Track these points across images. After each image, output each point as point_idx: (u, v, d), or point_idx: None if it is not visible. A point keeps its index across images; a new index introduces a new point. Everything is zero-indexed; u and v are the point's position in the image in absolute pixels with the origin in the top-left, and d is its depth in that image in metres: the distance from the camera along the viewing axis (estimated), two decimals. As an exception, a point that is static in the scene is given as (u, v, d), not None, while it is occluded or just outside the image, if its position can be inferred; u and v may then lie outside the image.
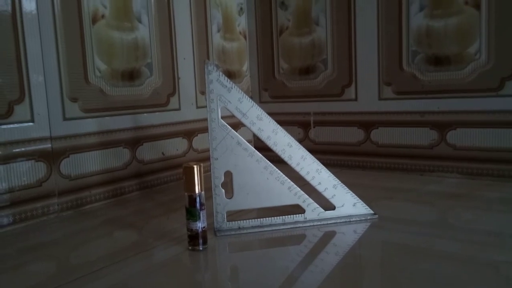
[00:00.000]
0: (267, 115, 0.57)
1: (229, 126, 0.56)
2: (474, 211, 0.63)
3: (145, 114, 0.83)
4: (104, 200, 0.76)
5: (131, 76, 0.80)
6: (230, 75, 1.04)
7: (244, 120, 0.56)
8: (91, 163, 0.74)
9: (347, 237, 0.56)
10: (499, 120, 0.78)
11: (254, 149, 0.57)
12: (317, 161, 0.59)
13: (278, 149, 0.57)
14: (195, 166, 0.49)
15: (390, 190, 0.77)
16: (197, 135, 0.94)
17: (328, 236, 0.56)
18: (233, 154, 0.56)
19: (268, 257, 0.50)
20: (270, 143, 0.57)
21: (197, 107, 0.94)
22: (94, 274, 0.46)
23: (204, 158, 0.91)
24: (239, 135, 0.56)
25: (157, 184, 0.86)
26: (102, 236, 0.59)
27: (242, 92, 0.56)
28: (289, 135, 0.58)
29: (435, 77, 0.84)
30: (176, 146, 0.90)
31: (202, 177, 0.50)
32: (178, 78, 0.89)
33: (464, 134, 0.82)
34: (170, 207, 0.72)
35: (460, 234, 0.54)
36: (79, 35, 0.71)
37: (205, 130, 0.93)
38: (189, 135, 0.93)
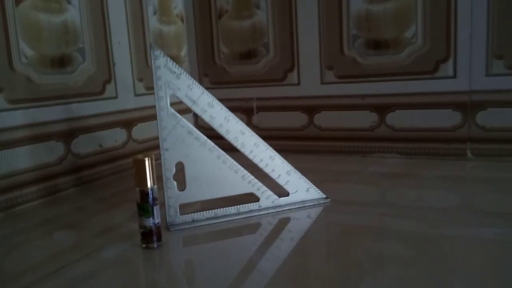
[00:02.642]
0: (218, 102, 0.55)
1: (179, 115, 0.53)
2: (416, 190, 0.66)
3: (78, 104, 0.77)
4: (38, 200, 0.69)
5: (61, 62, 0.73)
6: (168, 60, 0.99)
7: (194, 108, 0.54)
8: (20, 159, 0.67)
9: (302, 223, 0.56)
10: (434, 101, 0.82)
11: (206, 138, 0.54)
12: (270, 147, 0.58)
13: (230, 137, 0.55)
14: (146, 159, 0.46)
15: (335, 173, 0.79)
16: (136, 125, 0.89)
17: (283, 223, 0.56)
18: (184, 144, 0.53)
19: (224, 249, 0.49)
20: (222, 131, 0.55)
21: (135, 95, 0.89)
22: (36, 283, 0.42)
23: (146, 149, 0.87)
24: (190, 124, 0.53)
25: (96, 179, 0.80)
26: (39, 239, 0.54)
27: (192, 78, 0.53)
28: (241, 122, 0.56)
29: (375, 61, 0.86)
30: (114, 137, 0.84)
31: (154, 170, 0.47)
32: (114, 64, 0.84)
33: (402, 115, 0.85)
34: (112, 202, 0.67)
35: (410, 212, 0.56)
36: (0, 18, 0.63)
37: (145, 119, 0.90)
38: (128, 125, 0.87)
